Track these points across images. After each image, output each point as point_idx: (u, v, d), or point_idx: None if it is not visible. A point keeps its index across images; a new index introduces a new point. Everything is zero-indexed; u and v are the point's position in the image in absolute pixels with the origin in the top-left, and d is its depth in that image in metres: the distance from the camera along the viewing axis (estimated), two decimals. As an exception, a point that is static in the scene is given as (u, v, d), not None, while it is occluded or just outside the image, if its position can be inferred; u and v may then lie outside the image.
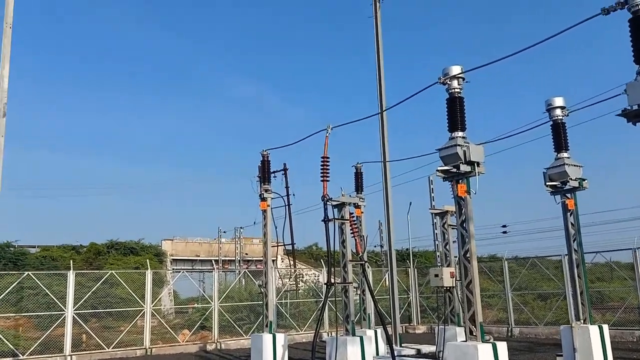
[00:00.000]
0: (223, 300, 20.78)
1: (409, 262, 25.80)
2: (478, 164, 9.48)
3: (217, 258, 43.75)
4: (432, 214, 15.35)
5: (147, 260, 21.61)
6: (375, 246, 42.04)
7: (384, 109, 16.30)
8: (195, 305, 23.86)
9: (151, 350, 18.18)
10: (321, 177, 11.71)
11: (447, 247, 14.22)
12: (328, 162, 11.73)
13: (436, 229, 22.44)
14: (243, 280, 28.03)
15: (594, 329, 10.51)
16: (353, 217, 12.30)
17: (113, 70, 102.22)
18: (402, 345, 16.15)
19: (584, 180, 11.24)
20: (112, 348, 17.72)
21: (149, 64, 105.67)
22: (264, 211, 13.88)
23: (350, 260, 11.84)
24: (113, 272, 19.61)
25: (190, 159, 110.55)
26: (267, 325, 13.30)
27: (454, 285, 13.11)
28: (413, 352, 15.34)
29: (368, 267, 23.26)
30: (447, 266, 13.84)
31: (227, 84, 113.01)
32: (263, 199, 13.79)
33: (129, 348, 18.08)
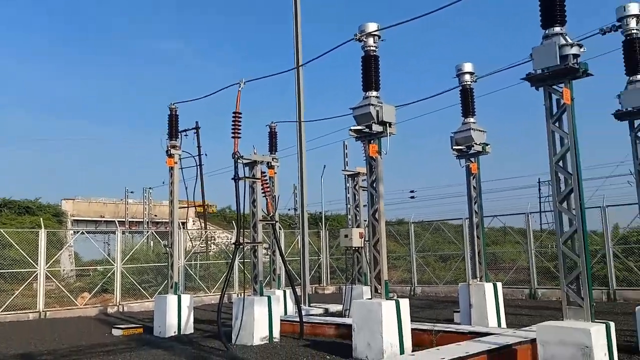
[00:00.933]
0: (127, 262, 19.86)
1: (321, 224, 26.08)
2: (390, 124, 9.47)
3: (124, 219, 41.85)
4: (345, 176, 15.40)
5: (42, 219, 20.04)
6: (289, 209, 42.24)
7: (300, 64, 15.94)
8: (97, 268, 22.65)
9: (45, 314, 17.06)
10: (232, 133, 11.24)
11: (358, 208, 14.39)
12: (240, 118, 11.27)
13: (349, 192, 22.76)
14: (151, 242, 26.99)
15: (488, 286, 11.13)
16: (265, 176, 12.01)
17: (25, 16, 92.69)
18: (311, 305, 16.36)
19: (487, 145, 11.66)
20: (1, 312, 16.42)
21: (64, 13, 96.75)
22: (171, 168, 13.20)
23: (260, 220, 11.59)
24: (1, 230, 18.01)
25: (97, 115, 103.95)
26: (172, 287, 12.83)
27: (363, 245, 13.36)
28: (321, 311, 15.58)
29: (280, 228, 23.22)
30: (357, 227, 14.03)
31: (142, 39, 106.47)
32: (170, 156, 13.10)
33: (21, 311, 16.85)
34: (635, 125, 9.58)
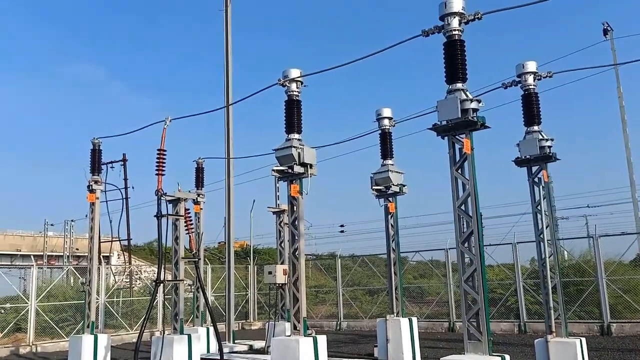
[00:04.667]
0: (43, 299, 18.87)
1: (250, 259, 26.00)
2: (311, 165, 9.90)
3: (42, 253, 39.66)
4: (271, 212, 15.63)
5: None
6: (219, 243, 41.67)
7: (230, 103, 16.23)
8: (6, 305, 21.27)
9: (-53, 357, 15.86)
10: (156, 170, 11.27)
11: (283, 245, 14.62)
12: (165, 155, 11.33)
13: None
14: (71, 277, 25.77)
15: (404, 321, 11.61)
16: (189, 213, 12.04)
17: None
18: (236, 341, 16.21)
19: (404, 186, 12.35)
20: None
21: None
22: (92, 204, 12.93)
23: (182, 258, 11.55)
24: None
25: (18, 144, 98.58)
26: (88, 326, 12.41)
27: (287, 282, 13.55)
28: (246, 347, 15.48)
29: (207, 264, 22.97)
30: (281, 263, 14.22)
31: (69, 66, 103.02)
32: (91, 191, 12.84)
33: None
34: (533, 172, 10.53)
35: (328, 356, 10.28)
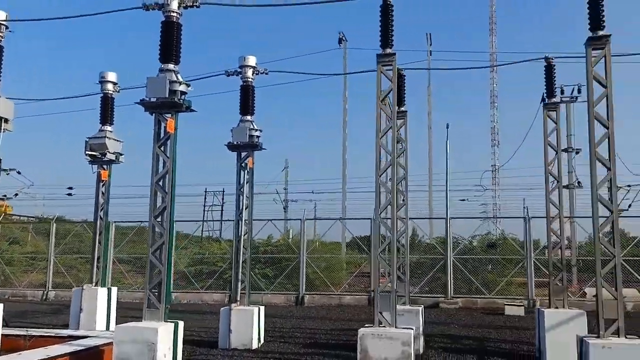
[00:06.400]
0: None
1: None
2: (6, 120, 9.00)
3: None
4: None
5: None
6: None
7: None
8: None
9: None
10: None
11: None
12: None
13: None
14: None
15: (102, 291, 11.52)
16: None
17: None
18: None
19: (121, 154, 12.15)
20: None
21: None
22: None
23: None
24: None
25: None
26: None
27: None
28: None
29: None
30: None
31: None
32: None
33: None
34: (242, 157, 11.52)
35: (18, 327, 9.57)
